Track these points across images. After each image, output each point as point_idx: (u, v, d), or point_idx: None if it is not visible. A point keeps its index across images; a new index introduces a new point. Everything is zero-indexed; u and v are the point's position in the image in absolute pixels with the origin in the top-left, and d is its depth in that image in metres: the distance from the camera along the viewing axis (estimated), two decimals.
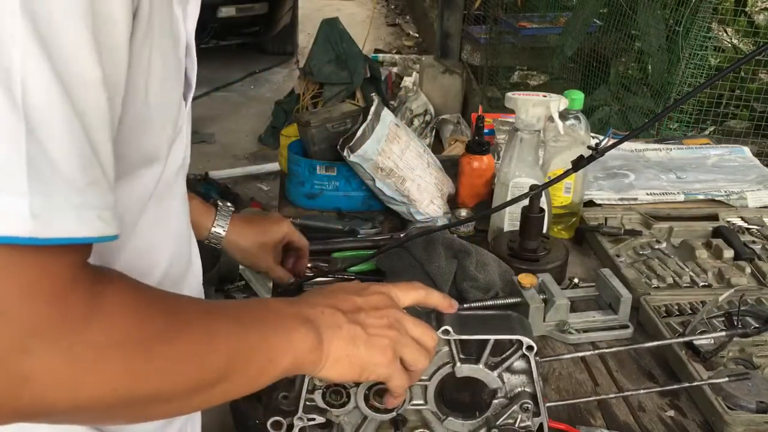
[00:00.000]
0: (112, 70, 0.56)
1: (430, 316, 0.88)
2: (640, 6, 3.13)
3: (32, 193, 0.50)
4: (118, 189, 0.60)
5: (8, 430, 0.58)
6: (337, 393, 0.87)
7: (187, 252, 0.81)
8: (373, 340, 0.77)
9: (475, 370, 0.88)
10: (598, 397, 1.10)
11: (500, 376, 0.89)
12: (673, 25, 3.04)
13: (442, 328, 0.85)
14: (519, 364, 0.89)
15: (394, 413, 0.88)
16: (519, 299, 1.24)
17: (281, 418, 0.88)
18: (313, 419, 0.88)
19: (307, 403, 0.87)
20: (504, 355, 0.88)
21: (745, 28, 3.60)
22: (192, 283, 0.83)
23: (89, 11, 0.53)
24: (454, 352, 0.87)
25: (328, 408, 0.87)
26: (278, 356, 0.70)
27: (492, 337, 0.87)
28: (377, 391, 0.86)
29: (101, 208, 0.54)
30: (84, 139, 0.53)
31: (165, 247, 0.76)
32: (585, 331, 1.25)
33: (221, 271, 3.16)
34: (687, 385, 1.09)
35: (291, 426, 0.88)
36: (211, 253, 3.11)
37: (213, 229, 1.25)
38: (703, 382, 1.08)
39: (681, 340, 1.16)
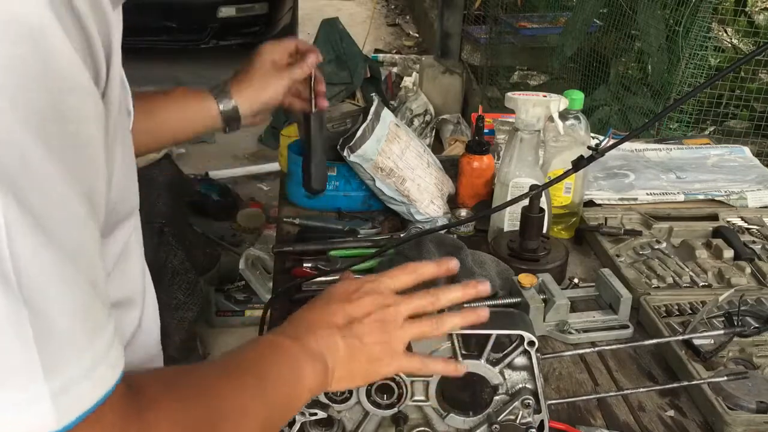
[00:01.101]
0: (94, 184, 0.53)
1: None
2: (640, 6, 3.13)
3: (48, 378, 0.48)
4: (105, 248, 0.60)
5: None
6: None
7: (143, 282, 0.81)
8: (369, 349, 0.80)
9: (477, 366, 0.88)
10: (597, 395, 1.11)
11: (501, 372, 0.89)
12: (673, 25, 3.04)
13: None
14: (520, 360, 0.89)
15: (396, 409, 0.88)
16: (519, 299, 1.24)
17: None
18: (315, 414, 0.88)
19: None
20: (505, 351, 0.88)
21: (745, 28, 3.60)
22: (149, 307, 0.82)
23: (68, 146, 0.49)
24: (456, 347, 0.87)
25: (330, 403, 0.88)
26: (297, 397, 0.76)
27: (494, 332, 0.87)
28: (379, 387, 0.87)
29: (108, 349, 0.53)
30: (82, 287, 0.51)
31: (137, 278, 0.76)
32: (585, 331, 1.25)
33: (221, 271, 3.16)
34: (686, 383, 1.10)
35: (293, 421, 0.88)
36: (210, 252, 3.11)
37: (222, 107, 1.19)
38: (701, 381, 1.08)
39: (681, 338, 1.16)
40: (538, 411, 0.90)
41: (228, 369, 0.71)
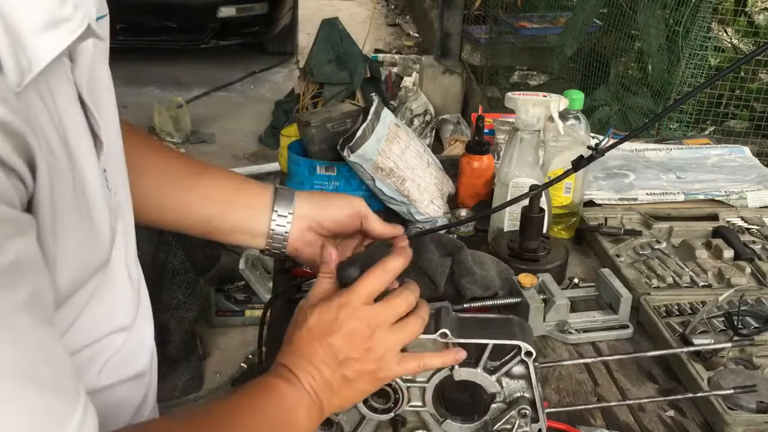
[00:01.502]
0: (37, 285, 0.53)
1: (430, 317, 0.87)
2: (640, 6, 3.13)
3: None
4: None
5: None
6: None
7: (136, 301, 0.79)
8: (363, 375, 0.81)
9: (474, 374, 0.87)
10: (599, 405, 1.10)
11: (499, 381, 0.88)
12: (673, 25, 3.04)
13: (440, 331, 0.85)
14: (518, 369, 0.88)
15: (392, 414, 0.88)
16: (519, 299, 1.24)
17: None
18: None
19: None
20: (503, 360, 0.88)
21: (745, 28, 3.60)
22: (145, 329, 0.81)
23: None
24: None
25: None
26: None
27: (490, 342, 0.86)
28: (376, 392, 0.87)
29: (79, 429, 0.53)
30: (39, 397, 0.51)
31: (125, 308, 0.75)
32: (585, 331, 1.25)
33: (221, 271, 3.16)
34: (692, 395, 1.08)
35: None
36: (210, 252, 3.10)
37: (274, 228, 0.97)
38: (708, 393, 1.06)
39: (686, 350, 1.14)
40: (535, 420, 0.89)
41: (227, 423, 0.71)
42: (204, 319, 3.01)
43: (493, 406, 0.89)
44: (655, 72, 3.20)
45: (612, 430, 1.06)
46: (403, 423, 0.90)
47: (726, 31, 3.60)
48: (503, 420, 0.88)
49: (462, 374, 0.87)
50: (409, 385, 0.88)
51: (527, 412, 0.88)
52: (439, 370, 0.87)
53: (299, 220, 0.98)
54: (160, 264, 2.64)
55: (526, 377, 0.88)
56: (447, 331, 0.85)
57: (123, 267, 0.73)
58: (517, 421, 0.88)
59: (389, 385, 0.87)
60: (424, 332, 0.85)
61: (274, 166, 4.15)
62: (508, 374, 0.88)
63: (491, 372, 0.88)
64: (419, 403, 0.89)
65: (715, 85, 2.82)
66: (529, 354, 0.86)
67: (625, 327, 1.26)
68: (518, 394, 0.89)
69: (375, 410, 0.88)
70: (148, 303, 0.80)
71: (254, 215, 0.98)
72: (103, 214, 0.65)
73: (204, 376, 2.84)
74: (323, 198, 1.01)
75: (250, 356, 2.83)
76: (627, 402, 1.10)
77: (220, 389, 2.76)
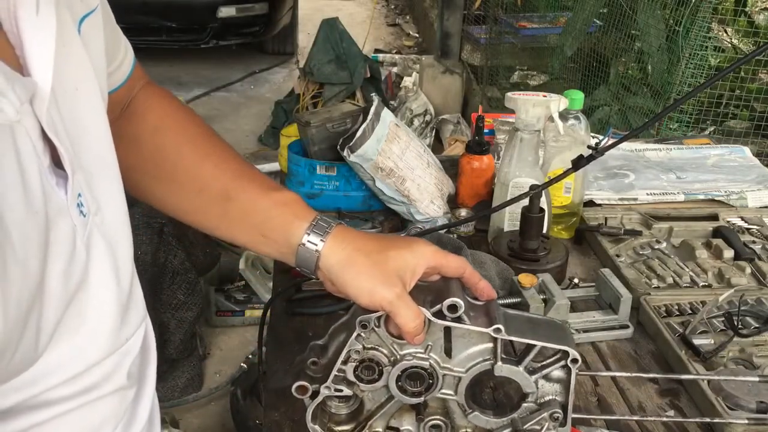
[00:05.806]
0: None
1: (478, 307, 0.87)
2: (640, 6, 3.13)
3: None
4: None
5: None
6: (370, 369, 0.85)
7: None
8: None
9: (514, 372, 0.86)
10: (606, 418, 1.10)
11: (536, 382, 0.88)
12: (673, 25, 3.04)
13: (495, 326, 0.83)
14: (557, 373, 0.88)
15: (422, 398, 0.87)
16: (519, 299, 1.24)
17: (307, 384, 0.86)
18: (340, 390, 0.86)
19: (337, 373, 0.85)
20: (545, 362, 0.87)
21: (745, 28, 3.60)
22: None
23: None
24: (498, 350, 0.85)
25: (357, 382, 0.86)
26: None
27: (540, 344, 0.85)
28: (410, 375, 0.85)
29: None
30: None
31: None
32: (585, 331, 1.25)
33: (221, 271, 3.16)
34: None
35: (316, 393, 0.86)
36: (210, 252, 3.10)
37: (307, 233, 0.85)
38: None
39: (704, 376, 1.14)
40: (563, 424, 0.89)
41: None
42: (204, 319, 3.01)
43: (524, 404, 0.88)
44: (655, 72, 3.20)
45: (612, 431, 1.06)
46: (425, 406, 0.89)
47: (726, 31, 3.60)
48: (533, 420, 0.88)
49: (503, 370, 0.86)
50: (445, 372, 0.87)
51: (560, 416, 0.87)
52: (479, 363, 0.87)
53: (321, 273, 0.86)
54: (160, 264, 2.64)
55: (562, 382, 0.87)
56: (501, 327, 0.83)
57: (104, 294, 0.69)
58: (547, 423, 0.88)
59: (425, 369, 0.86)
60: (477, 324, 0.84)
61: (274, 166, 4.14)
62: (546, 377, 0.87)
63: (531, 372, 0.87)
64: (451, 392, 0.88)
65: (715, 85, 2.82)
66: (575, 361, 0.86)
67: (625, 327, 1.26)
68: (550, 397, 0.88)
69: (404, 392, 0.87)
70: (141, 318, 0.78)
71: (286, 254, 0.88)
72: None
73: (204, 376, 2.84)
74: (354, 266, 0.84)
75: (250, 356, 2.83)
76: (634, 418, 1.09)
77: (220, 389, 2.77)
